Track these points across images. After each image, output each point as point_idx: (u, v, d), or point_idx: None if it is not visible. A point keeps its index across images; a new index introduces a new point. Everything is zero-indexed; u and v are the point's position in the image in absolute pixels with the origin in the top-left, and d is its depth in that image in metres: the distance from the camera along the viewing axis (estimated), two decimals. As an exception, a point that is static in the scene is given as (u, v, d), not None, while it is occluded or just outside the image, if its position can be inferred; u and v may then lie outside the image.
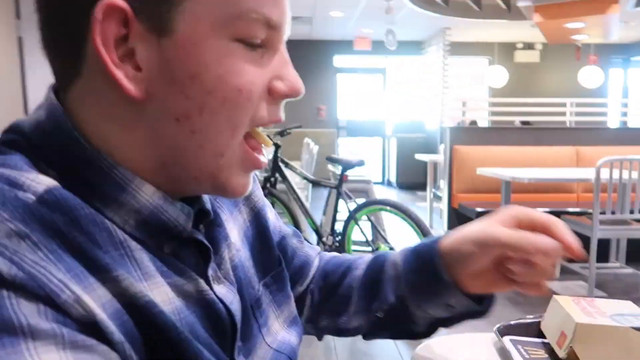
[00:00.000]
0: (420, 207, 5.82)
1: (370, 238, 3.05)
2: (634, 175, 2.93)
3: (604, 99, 7.57)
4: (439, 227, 4.35)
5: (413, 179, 7.48)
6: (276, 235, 0.58)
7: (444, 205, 4.36)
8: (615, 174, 2.90)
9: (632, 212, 2.96)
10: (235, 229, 0.51)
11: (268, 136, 0.54)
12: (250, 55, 0.39)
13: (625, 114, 5.65)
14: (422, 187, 6.73)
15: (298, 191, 3.12)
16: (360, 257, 0.63)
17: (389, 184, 8.58)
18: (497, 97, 7.48)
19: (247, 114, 0.40)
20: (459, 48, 7.91)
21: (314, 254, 0.65)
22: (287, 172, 3.12)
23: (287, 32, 0.42)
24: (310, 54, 8.32)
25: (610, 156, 2.92)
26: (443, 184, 4.44)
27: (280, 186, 3.15)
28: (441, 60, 7.45)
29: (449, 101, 7.23)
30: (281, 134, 3.24)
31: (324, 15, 6.68)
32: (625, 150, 3.37)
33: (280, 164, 3.09)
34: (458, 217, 4.04)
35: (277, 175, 3.10)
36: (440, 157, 4.88)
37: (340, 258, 0.66)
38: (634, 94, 8.92)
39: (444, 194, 4.33)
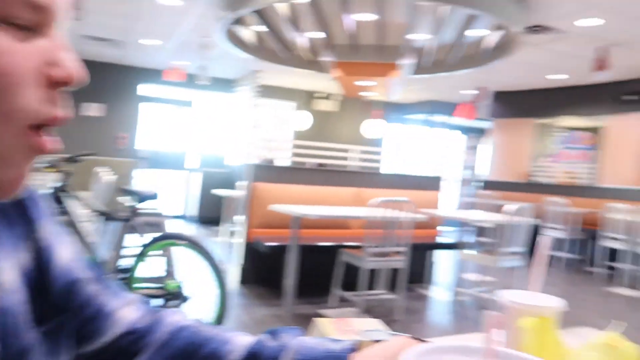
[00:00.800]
0: (216, 241, 5.91)
1: (162, 274, 2.98)
2: (399, 214, 3.48)
3: (379, 149, 8.88)
4: (232, 262, 4.47)
5: (214, 214, 7.53)
6: (63, 278, 0.50)
7: (238, 240, 4.51)
8: (383, 213, 3.41)
9: (397, 245, 3.51)
10: (10, 268, 0.44)
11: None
12: (13, 36, 0.36)
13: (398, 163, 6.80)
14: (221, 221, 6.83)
15: (83, 224, 2.91)
16: (230, 341, 0.54)
17: (190, 218, 8.47)
18: (300, 140, 8.11)
19: (13, 100, 0.36)
20: (268, 91, 8.40)
21: (118, 305, 0.54)
22: (73, 203, 2.90)
23: (66, 17, 0.39)
24: (116, 79, 7.92)
25: (378, 197, 3.44)
26: (238, 219, 4.59)
27: (65, 218, 2.89)
28: (251, 100, 7.81)
29: (256, 140, 7.58)
30: (71, 160, 3.00)
31: (135, 41, 6.46)
32: (395, 193, 3.99)
33: (61, 194, 2.84)
34: (252, 251, 4.20)
35: (58, 206, 2.85)
36: (237, 193, 5.05)
37: (201, 334, 0.55)
38: (405, 146, 10.61)
39: (240, 228, 4.48)
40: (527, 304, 0.60)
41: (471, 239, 7.39)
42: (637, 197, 6.56)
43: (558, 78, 7.91)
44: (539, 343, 0.57)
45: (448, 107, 9.93)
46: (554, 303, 0.61)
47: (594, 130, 8.76)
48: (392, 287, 3.88)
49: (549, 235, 0.74)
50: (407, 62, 5.25)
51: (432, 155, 10.46)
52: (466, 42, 5.10)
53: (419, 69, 5.76)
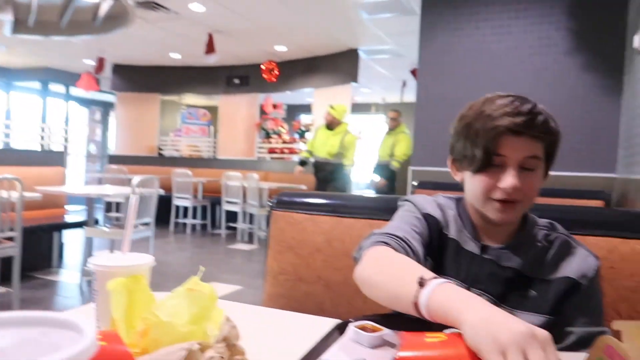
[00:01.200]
0: None
1: None
2: (12, 194, 2.98)
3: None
4: None
5: None
6: None
7: None
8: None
9: (2, 230, 3.00)
10: None
11: None
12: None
13: (8, 136, 5.80)
14: None
15: None
16: None
17: None
18: None
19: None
20: None
21: None
22: None
23: None
24: None
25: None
26: None
27: None
28: None
29: None
30: None
31: None
32: (4, 170, 3.38)
33: None
34: None
35: None
36: None
37: None
38: (16, 117, 9.20)
39: None
40: (114, 265, 0.60)
41: (100, 215, 7.11)
42: (247, 166, 7.73)
43: (177, 57, 8.35)
44: (129, 301, 0.59)
45: (70, 77, 9.07)
46: (143, 261, 0.64)
47: (210, 108, 9.76)
48: (4, 278, 3.33)
49: (137, 196, 0.77)
50: (3, 17, 4.47)
51: (53, 129, 9.41)
52: (76, 5, 4.72)
53: (23, 28, 4.98)
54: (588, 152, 3.32)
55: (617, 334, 0.56)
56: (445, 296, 0.69)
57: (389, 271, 0.83)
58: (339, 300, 1.38)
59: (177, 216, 7.18)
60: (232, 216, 6.78)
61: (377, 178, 6.22)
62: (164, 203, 6.34)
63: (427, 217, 1.01)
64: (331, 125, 5.54)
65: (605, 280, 1.13)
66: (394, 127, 6.20)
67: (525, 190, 0.91)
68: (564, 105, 3.37)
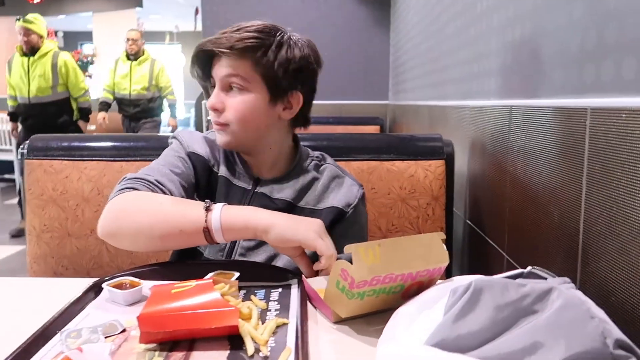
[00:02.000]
0: None
1: None
2: None
3: None
4: None
5: None
6: None
7: None
8: None
9: None
10: None
11: None
12: None
13: None
14: None
15: None
16: None
17: None
18: None
19: None
20: None
21: None
22: None
23: None
24: None
25: None
26: None
27: None
28: None
29: None
30: None
31: None
32: None
33: None
34: None
35: None
36: None
37: None
38: None
39: None
40: None
41: None
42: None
43: None
44: None
45: None
46: None
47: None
48: None
49: None
50: None
51: None
52: None
53: None
54: (365, 81, 3.63)
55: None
56: (237, 212, 0.78)
57: (151, 210, 0.80)
58: (117, 252, 1.27)
59: None
60: (7, 167, 5.80)
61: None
62: None
63: (192, 156, 0.96)
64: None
65: (369, 201, 1.25)
66: (137, 52, 4.48)
67: (231, 111, 0.89)
68: (341, 37, 3.58)
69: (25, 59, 3.82)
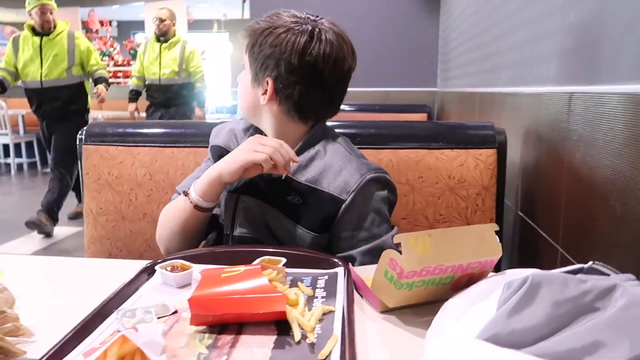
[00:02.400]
0: None
1: None
2: None
3: None
4: None
5: None
6: None
7: None
8: None
9: None
10: None
11: None
12: None
13: None
14: None
15: None
16: None
17: None
18: None
19: None
20: None
21: None
22: None
23: None
24: None
25: None
26: None
27: None
28: None
29: None
30: None
31: None
32: None
33: None
34: None
35: None
36: None
37: None
38: None
39: None
40: None
41: None
42: None
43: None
44: None
45: None
46: None
47: (20, 25, 8.28)
48: None
49: None
50: None
51: None
52: None
53: None
54: (412, 68, 3.55)
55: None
56: (201, 180, 0.94)
57: (171, 214, 1.02)
58: (168, 235, 1.31)
59: (-5, 156, 6.25)
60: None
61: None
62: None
63: (212, 149, 1.08)
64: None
65: (415, 190, 1.23)
66: (166, 32, 4.16)
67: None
68: (389, 23, 3.51)
69: (38, 38, 3.51)
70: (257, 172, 0.89)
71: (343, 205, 0.90)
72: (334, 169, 0.93)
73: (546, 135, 1.16)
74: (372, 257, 0.88)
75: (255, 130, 1.04)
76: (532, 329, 0.44)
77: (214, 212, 1.00)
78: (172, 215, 1.00)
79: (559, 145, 1.06)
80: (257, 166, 0.88)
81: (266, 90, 0.94)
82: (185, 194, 0.96)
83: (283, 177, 0.90)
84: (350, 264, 0.77)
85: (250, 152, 0.88)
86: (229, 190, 1.00)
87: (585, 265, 0.52)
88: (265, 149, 0.87)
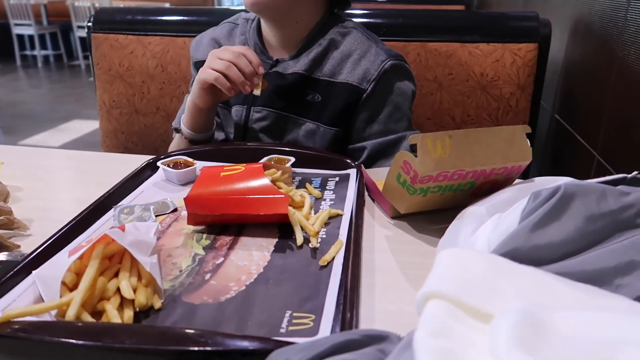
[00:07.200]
0: None
1: None
2: None
3: None
4: None
5: None
6: None
7: None
8: None
9: None
10: None
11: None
12: None
13: None
14: None
15: None
16: None
17: None
18: None
19: None
20: None
21: None
22: None
23: None
24: None
25: None
26: None
27: None
28: None
29: None
30: None
31: None
32: None
33: None
34: None
35: None
36: None
37: None
38: None
39: None
40: None
41: None
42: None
43: None
44: None
45: None
46: None
47: None
48: None
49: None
50: None
51: None
52: None
53: None
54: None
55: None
56: (186, 114, 0.87)
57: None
58: (183, 130, 1.27)
59: (21, 48, 6.20)
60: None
61: None
62: (1, 33, 5.40)
63: (197, 67, 0.92)
64: None
65: (443, 88, 1.13)
66: None
67: None
68: None
69: None
70: (229, 92, 0.77)
71: (364, 94, 0.84)
72: (354, 58, 0.85)
73: (598, 27, 1.02)
74: (383, 153, 0.83)
75: (253, 34, 0.92)
76: (559, 245, 0.38)
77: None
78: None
79: (612, 40, 0.93)
80: (233, 88, 0.77)
81: None
82: (177, 130, 0.90)
83: (254, 94, 0.78)
84: (363, 165, 0.71)
85: (203, 70, 0.77)
86: (238, 102, 0.91)
87: (629, 175, 0.45)
88: (218, 63, 0.75)
